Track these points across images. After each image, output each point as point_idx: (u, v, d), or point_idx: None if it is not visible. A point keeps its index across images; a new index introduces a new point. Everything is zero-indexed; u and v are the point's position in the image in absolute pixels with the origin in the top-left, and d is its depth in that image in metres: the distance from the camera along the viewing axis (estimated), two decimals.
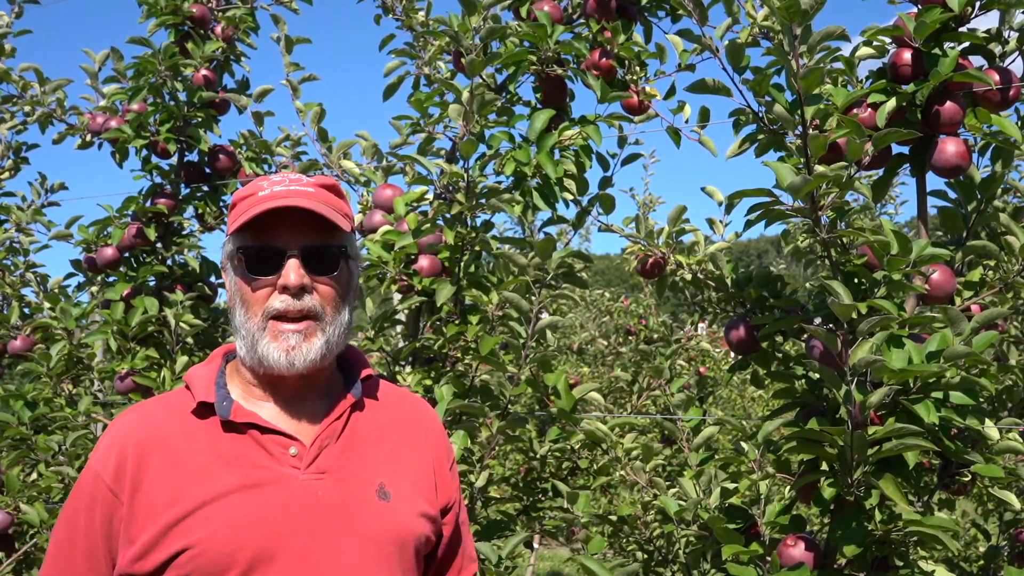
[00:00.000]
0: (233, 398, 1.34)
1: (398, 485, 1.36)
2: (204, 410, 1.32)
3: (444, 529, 1.45)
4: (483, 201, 2.43)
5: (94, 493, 1.28)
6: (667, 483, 2.66)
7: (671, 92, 2.63)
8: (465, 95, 2.43)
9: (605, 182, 2.62)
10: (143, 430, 1.31)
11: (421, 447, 1.44)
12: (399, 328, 2.86)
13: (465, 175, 2.41)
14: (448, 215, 2.49)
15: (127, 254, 3.38)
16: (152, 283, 3.39)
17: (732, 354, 3.24)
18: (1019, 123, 2.29)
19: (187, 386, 1.36)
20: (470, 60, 2.39)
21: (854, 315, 1.88)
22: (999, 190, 2.29)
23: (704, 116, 2.52)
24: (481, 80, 2.65)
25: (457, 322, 2.51)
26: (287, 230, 1.31)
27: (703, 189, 2.53)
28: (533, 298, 2.40)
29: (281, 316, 1.31)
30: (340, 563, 1.27)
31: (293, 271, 1.29)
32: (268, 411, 1.34)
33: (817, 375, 2.12)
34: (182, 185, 3.50)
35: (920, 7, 2.13)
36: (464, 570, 1.51)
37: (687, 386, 4.88)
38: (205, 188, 3.54)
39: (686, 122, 2.57)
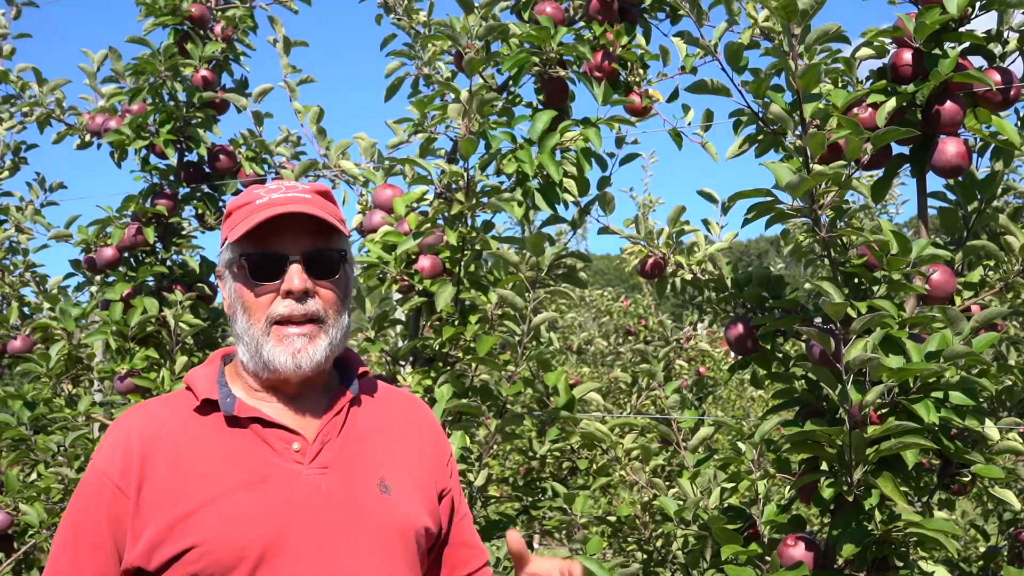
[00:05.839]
0: (236, 395, 1.36)
1: (397, 478, 1.38)
2: (207, 407, 1.34)
3: (442, 520, 1.47)
4: (484, 200, 2.43)
5: (100, 490, 1.29)
6: (667, 483, 2.66)
7: (674, 96, 2.63)
8: (464, 94, 2.43)
9: (604, 182, 2.62)
10: (146, 428, 1.32)
11: (416, 441, 1.47)
12: (398, 328, 2.85)
13: (465, 174, 2.41)
14: (448, 214, 2.49)
15: (127, 254, 3.38)
16: (151, 283, 3.39)
17: (732, 354, 3.24)
18: (1019, 124, 2.29)
19: (188, 387, 1.37)
20: (469, 58, 2.39)
21: (854, 314, 1.88)
22: (999, 190, 2.29)
23: (709, 117, 2.52)
24: (481, 79, 2.64)
25: (456, 322, 2.51)
26: (289, 236, 1.33)
27: (700, 192, 2.53)
28: (528, 295, 2.40)
29: (285, 321, 1.33)
30: (346, 556, 1.29)
31: (296, 276, 1.31)
32: (270, 408, 1.36)
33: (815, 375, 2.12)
34: (182, 185, 3.49)
35: (920, 7, 2.13)
36: (474, 559, 1.52)
37: (684, 386, 4.88)
38: (205, 188, 3.54)
39: (688, 125, 2.57)
